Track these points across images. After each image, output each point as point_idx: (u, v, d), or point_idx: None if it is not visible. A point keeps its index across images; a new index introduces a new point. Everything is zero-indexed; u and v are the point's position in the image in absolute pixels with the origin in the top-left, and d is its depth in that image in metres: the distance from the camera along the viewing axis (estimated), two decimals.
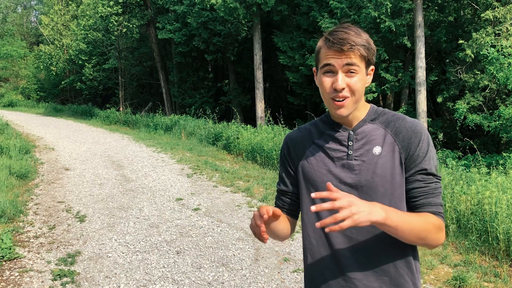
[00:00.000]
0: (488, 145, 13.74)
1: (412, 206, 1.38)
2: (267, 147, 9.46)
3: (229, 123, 12.98)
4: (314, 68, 1.46)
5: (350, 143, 1.42)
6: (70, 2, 31.61)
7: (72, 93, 32.65)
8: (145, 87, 26.94)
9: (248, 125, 12.05)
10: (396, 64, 13.00)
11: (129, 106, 23.11)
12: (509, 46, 10.17)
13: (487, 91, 12.19)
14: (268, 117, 12.66)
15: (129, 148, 12.13)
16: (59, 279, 4.07)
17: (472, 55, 11.26)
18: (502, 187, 5.02)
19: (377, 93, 13.27)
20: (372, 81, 13.07)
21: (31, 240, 5.08)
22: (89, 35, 25.32)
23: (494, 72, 10.04)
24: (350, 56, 1.32)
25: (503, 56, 9.94)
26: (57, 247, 4.88)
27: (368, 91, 12.89)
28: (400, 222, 1.25)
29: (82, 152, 11.35)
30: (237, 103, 19.01)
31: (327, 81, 1.36)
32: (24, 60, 40.76)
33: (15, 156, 9.47)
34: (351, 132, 1.43)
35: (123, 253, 4.71)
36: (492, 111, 11.50)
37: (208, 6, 16.31)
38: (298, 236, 5.07)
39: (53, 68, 29.68)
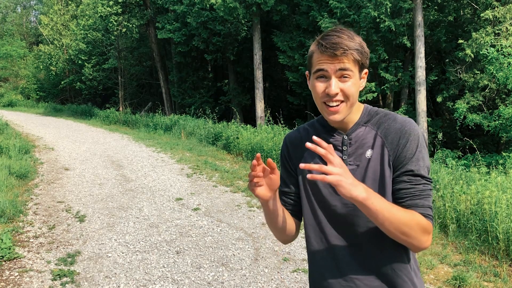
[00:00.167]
0: (487, 144, 13.75)
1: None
2: (267, 147, 9.46)
3: (229, 123, 12.98)
4: (306, 72, 1.44)
5: (345, 147, 1.42)
6: (69, 2, 31.60)
7: (71, 93, 32.65)
8: (145, 87, 26.94)
9: (248, 125, 12.04)
10: (396, 64, 13.00)
11: (129, 106, 23.11)
12: (509, 46, 10.17)
13: (486, 90, 12.20)
14: (268, 117, 12.66)
15: (128, 148, 12.13)
16: (58, 279, 4.07)
17: (472, 55, 11.26)
18: (502, 186, 5.02)
19: (376, 93, 13.27)
20: (372, 81, 13.12)
21: (30, 240, 5.08)
22: (89, 35, 25.31)
23: (494, 72, 10.04)
24: (343, 60, 1.30)
25: (502, 56, 9.95)
26: (57, 247, 4.88)
27: (368, 90, 12.89)
28: (381, 208, 1.23)
29: (82, 152, 11.34)
30: (236, 103, 19.01)
31: (320, 86, 1.34)
32: (23, 60, 40.76)
33: (15, 156, 9.46)
34: (345, 137, 1.42)
35: (123, 253, 4.71)
36: (492, 110, 11.51)
37: (208, 6, 16.31)
38: (297, 236, 5.07)
39: (53, 68, 29.68)
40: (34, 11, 53.37)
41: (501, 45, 10.25)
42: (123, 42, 23.40)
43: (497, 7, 11.25)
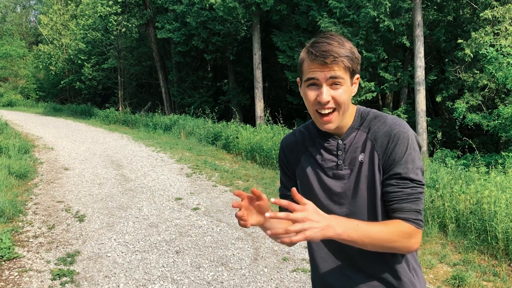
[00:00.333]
0: (487, 144, 13.75)
1: (387, 210, 1.36)
2: (266, 147, 9.46)
3: (228, 123, 12.98)
4: (298, 79, 1.43)
5: (340, 152, 1.42)
6: (69, 2, 31.59)
7: (71, 92, 32.63)
8: (144, 87, 26.93)
9: (247, 125, 12.04)
10: (395, 64, 13.00)
11: (128, 106, 23.10)
12: (508, 46, 10.18)
13: (486, 90, 12.20)
14: (268, 117, 12.66)
15: (128, 148, 12.13)
16: (58, 278, 4.07)
17: (471, 55, 11.27)
18: (501, 186, 5.03)
19: (376, 93, 13.28)
20: (371, 81, 13.13)
21: (30, 240, 5.08)
22: (88, 35, 25.29)
23: (493, 72, 10.04)
24: (334, 68, 1.29)
25: (502, 56, 9.95)
26: (57, 246, 4.88)
27: (367, 90, 12.90)
28: (359, 236, 1.24)
29: (82, 152, 11.34)
30: (236, 102, 19.01)
31: (311, 94, 1.34)
32: (23, 59, 40.73)
33: (14, 156, 9.46)
34: (340, 142, 1.42)
35: (122, 252, 4.71)
36: (491, 110, 11.51)
37: (207, 5, 16.30)
38: None
39: (52, 68, 29.66)
40: (33, 10, 53.35)
41: (500, 44, 10.25)
42: (123, 42, 23.39)
43: (496, 7, 11.26)
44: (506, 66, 9.73)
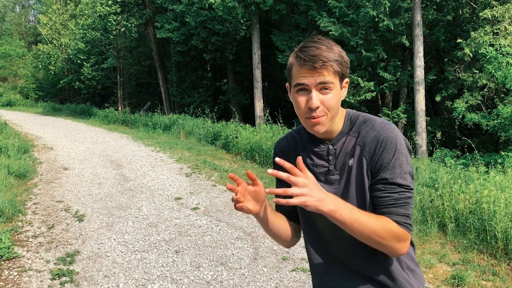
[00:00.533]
0: (486, 144, 13.77)
1: (376, 214, 1.36)
2: (265, 146, 9.46)
3: (228, 122, 12.97)
4: (287, 84, 1.42)
5: (331, 157, 1.42)
6: (68, 1, 31.55)
7: (70, 92, 32.61)
8: (144, 87, 26.91)
9: (247, 124, 12.04)
10: (395, 63, 13.00)
11: (128, 106, 23.08)
12: (508, 45, 10.19)
13: (485, 90, 12.21)
14: (267, 116, 12.66)
15: (127, 148, 12.13)
16: (58, 278, 4.07)
17: (471, 54, 11.27)
18: (501, 186, 5.03)
19: (375, 92, 13.28)
20: (371, 80, 13.13)
21: (30, 240, 5.08)
22: (88, 35, 25.27)
23: (493, 71, 10.05)
24: (323, 73, 1.28)
25: (501, 55, 9.96)
26: (56, 246, 4.88)
27: (366, 90, 12.90)
28: (350, 219, 1.25)
29: (81, 152, 11.34)
30: (235, 102, 19.00)
31: (301, 100, 1.33)
32: (22, 59, 40.70)
33: (14, 156, 9.46)
34: (330, 147, 1.42)
35: (122, 252, 4.71)
36: (491, 110, 11.52)
37: (207, 5, 16.29)
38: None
39: (52, 68, 29.64)
40: (33, 10, 53.31)
41: (499, 44, 10.26)
42: (122, 41, 23.38)
43: (496, 7, 11.27)
44: (506, 65, 9.74)
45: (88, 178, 8.28)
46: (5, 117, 19.76)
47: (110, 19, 19.99)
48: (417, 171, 6.75)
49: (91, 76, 26.31)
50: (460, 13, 13.61)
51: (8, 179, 7.51)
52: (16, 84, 39.76)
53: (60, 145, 12.47)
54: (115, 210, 6.24)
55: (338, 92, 1.34)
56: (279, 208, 1.58)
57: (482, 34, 11.08)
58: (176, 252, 4.71)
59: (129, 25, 20.94)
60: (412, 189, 1.34)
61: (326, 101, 1.31)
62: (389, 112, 13.31)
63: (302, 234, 1.62)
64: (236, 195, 1.30)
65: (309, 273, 1.78)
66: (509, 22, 11.19)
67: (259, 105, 15.83)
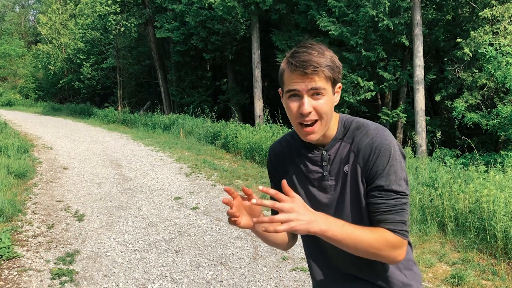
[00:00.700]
0: (486, 143, 13.77)
1: (372, 221, 1.36)
2: (265, 146, 9.46)
3: (228, 122, 12.97)
4: (279, 90, 1.41)
5: (324, 163, 1.41)
6: (68, 1, 31.55)
7: (70, 92, 32.60)
8: (144, 86, 26.91)
9: (247, 124, 12.04)
10: (394, 63, 13.01)
11: (128, 105, 23.08)
12: (507, 45, 10.19)
13: (485, 89, 12.21)
14: (267, 116, 12.65)
15: (127, 147, 12.13)
16: (57, 278, 4.07)
17: (470, 54, 11.28)
18: (500, 185, 5.03)
19: (375, 92, 13.28)
20: (370, 80, 13.13)
21: (29, 239, 5.08)
22: (87, 34, 25.27)
23: (492, 71, 10.05)
24: (315, 79, 1.28)
25: (501, 55, 9.96)
26: (56, 246, 4.88)
27: (366, 90, 12.90)
28: (343, 235, 1.24)
29: (81, 151, 11.34)
30: (235, 102, 19.00)
31: (293, 105, 1.32)
32: (22, 59, 40.71)
33: (14, 155, 9.45)
34: (324, 153, 1.41)
35: (121, 252, 4.71)
36: (490, 109, 11.52)
37: (206, 5, 16.28)
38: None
39: (51, 67, 29.63)
40: (32, 10, 53.30)
41: (499, 43, 10.27)
42: (122, 41, 23.37)
43: (496, 6, 11.27)
44: (505, 65, 9.74)
45: (88, 177, 8.28)
46: (5, 117, 19.76)
47: (109, 19, 19.99)
48: (416, 170, 6.75)
49: (91, 75, 26.30)
50: (460, 12, 13.61)
51: (8, 178, 7.50)
52: (15, 84, 39.77)
53: (59, 145, 12.47)
54: (115, 209, 6.24)
55: (331, 97, 1.33)
56: (275, 213, 1.58)
57: (481, 34, 11.09)
58: (176, 252, 4.71)
59: (129, 24, 20.94)
60: (407, 195, 1.34)
61: (318, 107, 1.30)
62: (389, 112, 13.31)
63: (299, 237, 1.63)
64: (231, 208, 1.28)
65: (309, 272, 1.79)
66: (508, 22, 11.19)
67: (258, 104, 15.83)
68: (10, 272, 4.20)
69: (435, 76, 13.40)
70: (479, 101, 12.06)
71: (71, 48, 28.03)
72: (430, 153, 11.70)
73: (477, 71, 12.15)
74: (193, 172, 8.71)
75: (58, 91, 33.91)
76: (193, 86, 20.53)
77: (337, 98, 1.38)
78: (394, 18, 12.04)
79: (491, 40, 10.89)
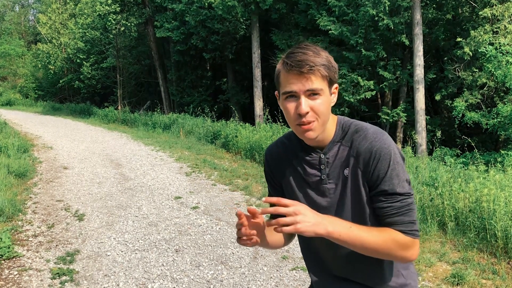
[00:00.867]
0: (486, 143, 13.77)
1: (381, 225, 1.36)
2: (265, 146, 9.46)
3: (228, 122, 12.97)
4: (276, 92, 1.41)
5: (322, 166, 1.41)
6: (68, 1, 31.54)
7: (70, 91, 32.61)
8: (144, 86, 26.91)
9: (247, 124, 12.04)
10: (394, 62, 13.01)
11: (128, 105, 23.09)
12: (507, 44, 10.19)
13: (485, 89, 12.21)
14: (267, 116, 12.65)
15: (127, 147, 12.13)
16: (58, 277, 4.07)
17: (470, 53, 11.27)
18: (500, 184, 5.03)
19: (375, 91, 13.27)
20: (371, 79, 13.13)
21: (30, 239, 5.08)
22: (87, 34, 25.27)
23: (492, 70, 10.05)
24: (311, 78, 1.27)
25: (501, 54, 9.96)
26: (56, 245, 4.88)
27: (366, 89, 12.90)
28: (350, 237, 1.25)
29: (81, 151, 11.34)
30: (235, 101, 19.00)
31: (290, 106, 1.31)
32: (22, 58, 40.72)
33: (14, 155, 9.45)
34: (322, 156, 1.41)
35: (122, 251, 4.71)
36: (490, 108, 11.52)
37: (206, 4, 16.29)
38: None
39: (51, 67, 29.63)
40: (32, 9, 53.29)
41: (499, 43, 10.27)
42: (122, 40, 23.36)
43: (496, 5, 11.26)
44: (505, 64, 9.74)
45: (88, 177, 8.28)
46: (5, 117, 19.75)
47: (109, 18, 19.98)
48: (416, 170, 6.75)
49: (91, 75, 26.30)
50: (460, 12, 13.60)
51: (8, 178, 7.51)
52: (15, 83, 39.79)
53: (59, 145, 12.47)
54: (115, 209, 6.24)
55: (328, 98, 1.33)
56: (273, 216, 1.59)
57: (481, 33, 11.08)
58: (176, 251, 4.71)
59: (129, 24, 20.93)
60: (412, 194, 1.34)
61: (316, 107, 1.29)
62: (389, 111, 13.31)
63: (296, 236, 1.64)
64: (243, 229, 1.30)
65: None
66: (508, 21, 11.19)
67: (258, 104, 15.83)
68: (11, 272, 4.20)
69: (435, 76, 13.40)
70: (479, 100, 12.06)
71: (71, 47, 28.03)
72: (430, 153, 11.70)
73: (477, 70, 12.15)
74: (193, 171, 8.71)
75: (58, 90, 33.92)
76: (193, 85, 20.53)
77: (334, 99, 1.37)
78: (394, 18, 12.04)
79: (491, 39, 10.89)
